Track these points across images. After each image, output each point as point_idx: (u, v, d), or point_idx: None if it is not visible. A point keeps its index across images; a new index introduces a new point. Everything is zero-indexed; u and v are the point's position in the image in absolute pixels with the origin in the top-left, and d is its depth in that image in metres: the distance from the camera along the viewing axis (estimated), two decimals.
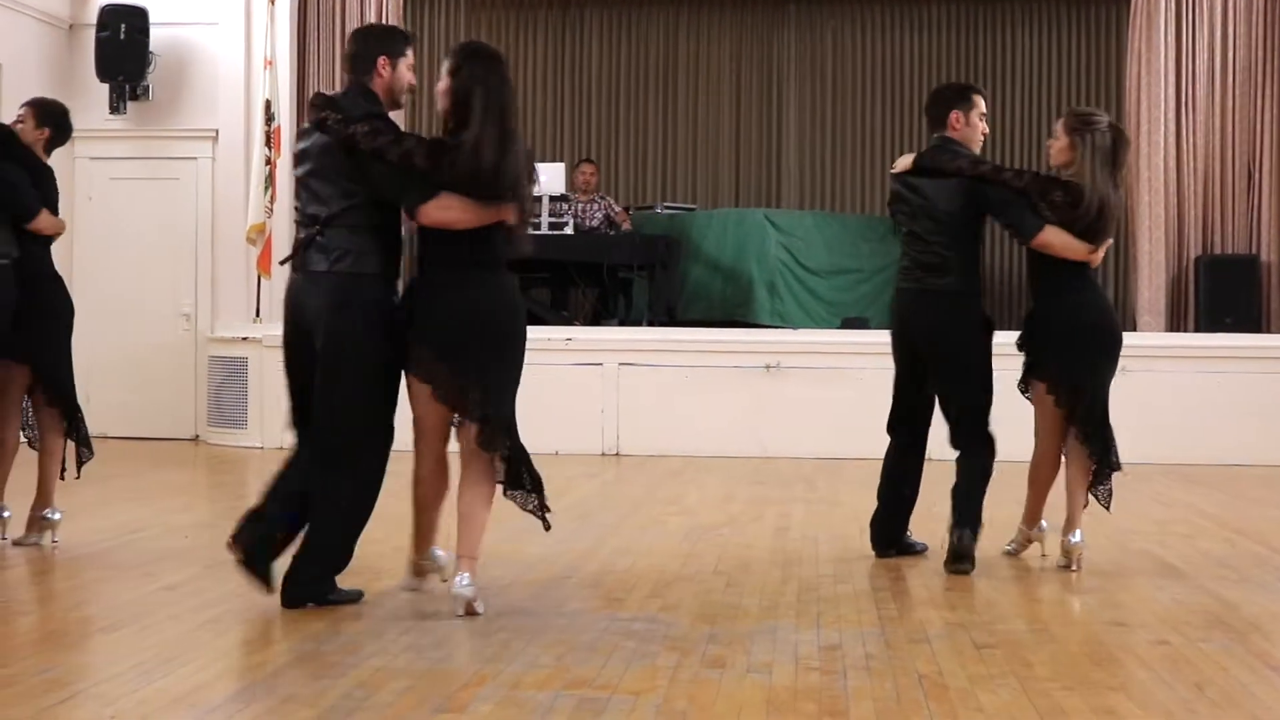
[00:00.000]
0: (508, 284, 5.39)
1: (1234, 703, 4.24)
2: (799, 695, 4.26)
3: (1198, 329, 12.09)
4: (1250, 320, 11.96)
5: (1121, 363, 11.40)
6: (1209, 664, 4.71)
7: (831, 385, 11.42)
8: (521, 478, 5.32)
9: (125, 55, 12.28)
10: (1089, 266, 6.44)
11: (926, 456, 6.78)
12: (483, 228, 5.27)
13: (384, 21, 12.92)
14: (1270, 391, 11.14)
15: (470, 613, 5.23)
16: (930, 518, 6.97)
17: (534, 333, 11.22)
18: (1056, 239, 6.36)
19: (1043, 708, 4.15)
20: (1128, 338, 11.54)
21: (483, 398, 5.24)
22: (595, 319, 13.00)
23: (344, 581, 5.96)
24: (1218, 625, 5.37)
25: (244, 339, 12.05)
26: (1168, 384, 11.05)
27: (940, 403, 6.65)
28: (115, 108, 12.36)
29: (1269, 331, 12.05)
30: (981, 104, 6.60)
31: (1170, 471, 10.01)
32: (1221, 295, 12.01)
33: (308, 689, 4.27)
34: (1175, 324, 12.34)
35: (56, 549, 6.74)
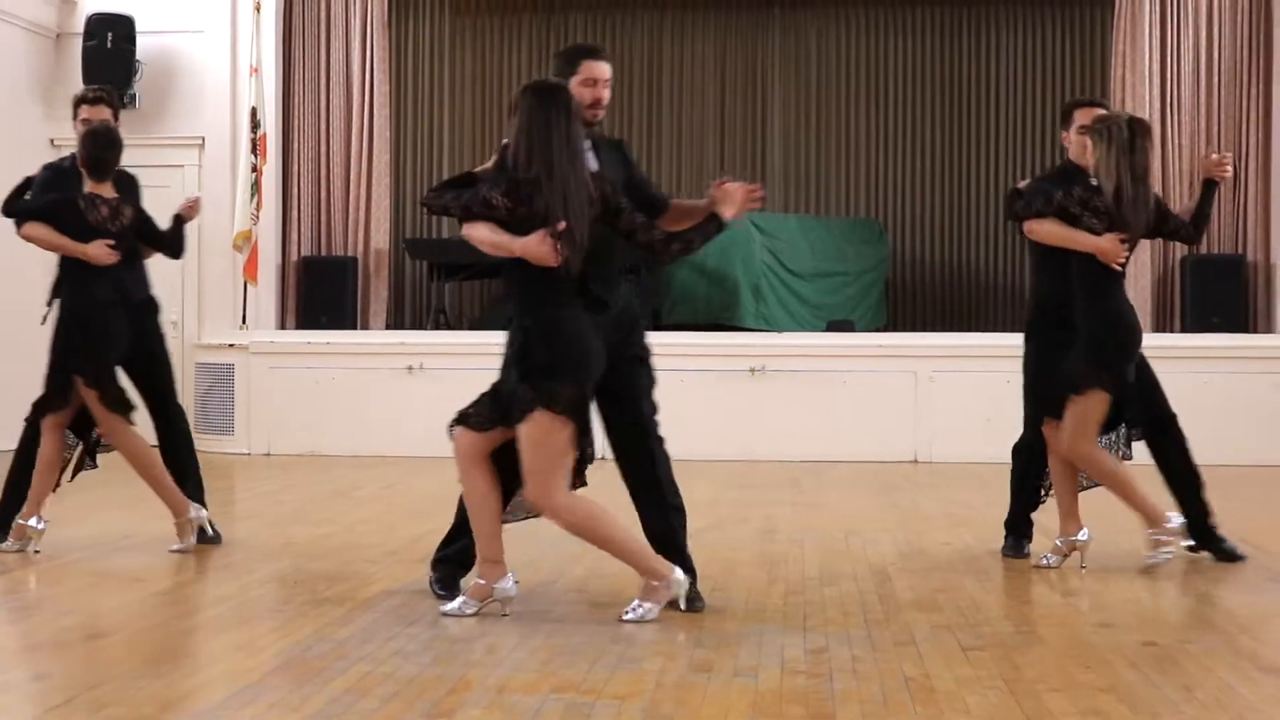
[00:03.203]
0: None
1: (1221, 704, 4.25)
2: (785, 698, 4.27)
3: (1184, 329, 12.11)
4: (1236, 320, 11.99)
5: None
6: (1196, 665, 4.72)
7: (817, 388, 11.44)
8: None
9: (112, 64, 12.27)
10: (1123, 271, 6.43)
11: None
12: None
13: (369, 29, 12.93)
14: (1257, 391, 11.18)
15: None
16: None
17: None
18: (1052, 229, 6.48)
19: (1030, 710, 4.16)
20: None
21: None
22: None
23: (332, 586, 5.97)
24: (1205, 626, 5.39)
25: (231, 346, 12.05)
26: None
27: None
28: None
29: (1255, 331, 12.08)
30: (1080, 118, 6.67)
31: (1157, 472, 10.01)
32: (1208, 296, 12.04)
33: (295, 694, 4.26)
34: (1162, 324, 12.37)
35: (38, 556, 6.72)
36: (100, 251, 6.74)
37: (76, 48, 12.37)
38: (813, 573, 6.44)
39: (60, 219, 6.80)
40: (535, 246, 5.19)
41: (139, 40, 12.39)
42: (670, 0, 14.67)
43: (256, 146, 12.23)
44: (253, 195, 12.17)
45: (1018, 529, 6.96)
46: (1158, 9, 12.39)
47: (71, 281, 6.83)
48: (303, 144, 12.97)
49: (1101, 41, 13.75)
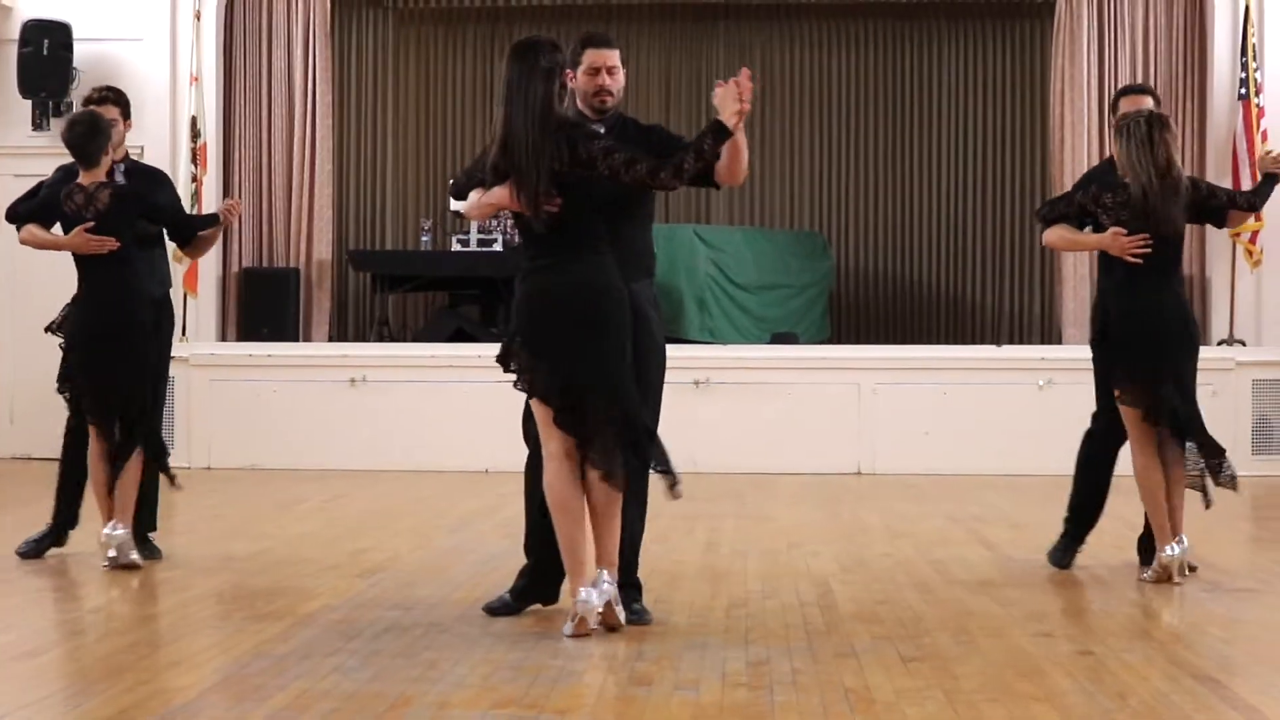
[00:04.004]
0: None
1: (1155, 713, 4.29)
2: (726, 712, 4.27)
3: None
4: None
5: (1048, 375, 11.59)
6: (1131, 674, 4.76)
7: (760, 400, 11.46)
8: None
9: (48, 71, 12.14)
10: (1161, 266, 6.40)
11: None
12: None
13: (311, 37, 12.86)
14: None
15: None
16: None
17: (465, 350, 11.27)
18: (1053, 237, 6.71)
19: (967, 719, 4.19)
20: (1054, 350, 11.76)
21: None
22: None
23: (271, 602, 5.93)
24: (1141, 635, 5.44)
25: (171, 358, 11.94)
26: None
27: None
28: (38, 124, 12.21)
29: None
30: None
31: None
32: None
33: (232, 712, 4.23)
34: None
35: None
36: (79, 239, 6.63)
37: (12, 55, 12.23)
38: (755, 585, 6.46)
39: (51, 217, 6.74)
40: (504, 196, 5.23)
41: (76, 47, 12.27)
42: (615, 12, 14.67)
43: (197, 156, 12.15)
44: (193, 205, 12.07)
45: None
46: (1095, 25, 12.52)
47: (77, 298, 6.76)
48: (244, 154, 12.89)
49: (1041, 56, 13.87)
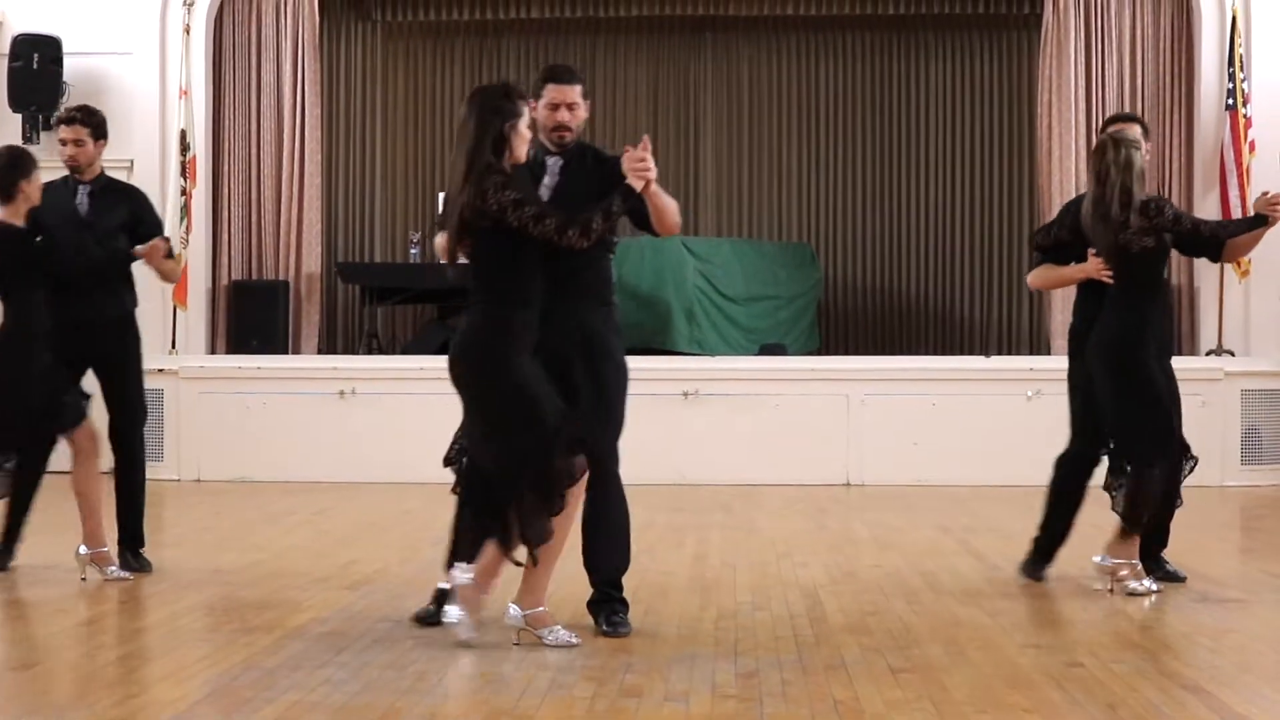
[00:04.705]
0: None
1: None
2: None
3: (1169, 353, 12.22)
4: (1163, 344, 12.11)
5: (1037, 385, 11.57)
6: (1121, 685, 4.77)
7: (749, 412, 11.47)
8: None
9: (38, 85, 12.15)
10: (1122, 285, 6.43)
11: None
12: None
13: (300, 51, 12.87)
14: (1183, 413, 11.28)
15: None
16: None
17: None
18: (1034, 279, 7.00)
19: None
20: (1043, 361, 11.77)
21: None
22: None
23: (261, 614, 5.92)
24: (1131, 646, 5.45)
25: (160, 371, 11.93)
26: None
27: None
28: (28, 138, 12.19)
29: (1179, 354, 12.20)
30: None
31: (1089, 493, 10.12)
32: None
33: None
34: None
35: None
36: None
37: (2, 69, 12.24)
38: (745, 597, 6.46)
39: None
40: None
41: (66, 61, 12.27)
42: (603, 24, 14.70)
43: (186, 169, 12.14)
44: (182, 219, 12.08)
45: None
46: (1082, 36, 12.56)
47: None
48: (233, 167, 12.89)
49: (1029, 66, 13.91)
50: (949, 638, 5.58)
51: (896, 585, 6.73)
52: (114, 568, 6.76)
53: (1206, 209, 12.01)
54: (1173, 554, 6.95)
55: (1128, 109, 12.46)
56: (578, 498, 5.29)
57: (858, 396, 11.48)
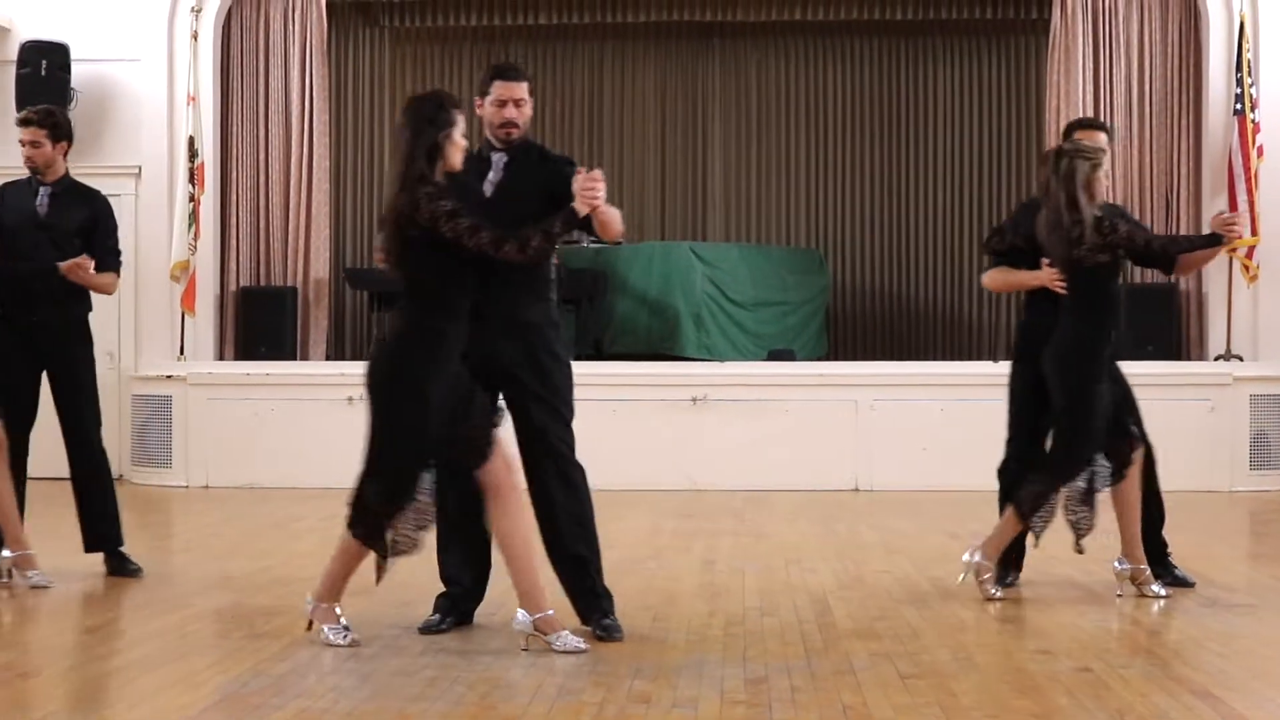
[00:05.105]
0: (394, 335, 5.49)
1: None
2: None
3: (1119, 357, 12.19)
4: (1170, 348, 12.11)
5: None
6: (1130, 691, 4.76)
7: (758, 417, 11.46)
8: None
9: (46, 92, 12.13)
10: (1075, 298, 6.43)
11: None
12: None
13: (308, 57, 12.88)
14: (1191, 418, 11.28)
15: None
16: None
17: None
18: (989, 280, 6.97)
19: None
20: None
21: None
22: None
23: (270, 620, 5.92)
24: (1140, 652, 5.44)
25: (168, 377, 11.95)
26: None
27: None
28: None
29: (1188, 359, 12.22)
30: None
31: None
32: (1142, 324, 12.15)
33: None
34: None
35: None
36: None
37: (10, 76, 12.26)
38: (753, 602, 6.45)
39: None
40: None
41: (74, 68, 12.29)
42: (611, 30, 14.71)
43: (194, 176, 12.16)
44: (190, 225, 12.09)
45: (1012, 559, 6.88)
46: (1090, 41, 12.55)
47: None
48: (241, 173, 12.91)
49: (1036, 72, 13.91)
50: (957, 643, 5.58)
51: (905, 591, 6.72)
52: (35, 572, 6.74)
53: (1215, 213, 12.01)
54: (1181, 559, 6.95)
55: (1135, 115, 12.46)
56: (508, 499, 5.36)
57: (866, 402, 11.47)
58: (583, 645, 5.30)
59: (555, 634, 5.29)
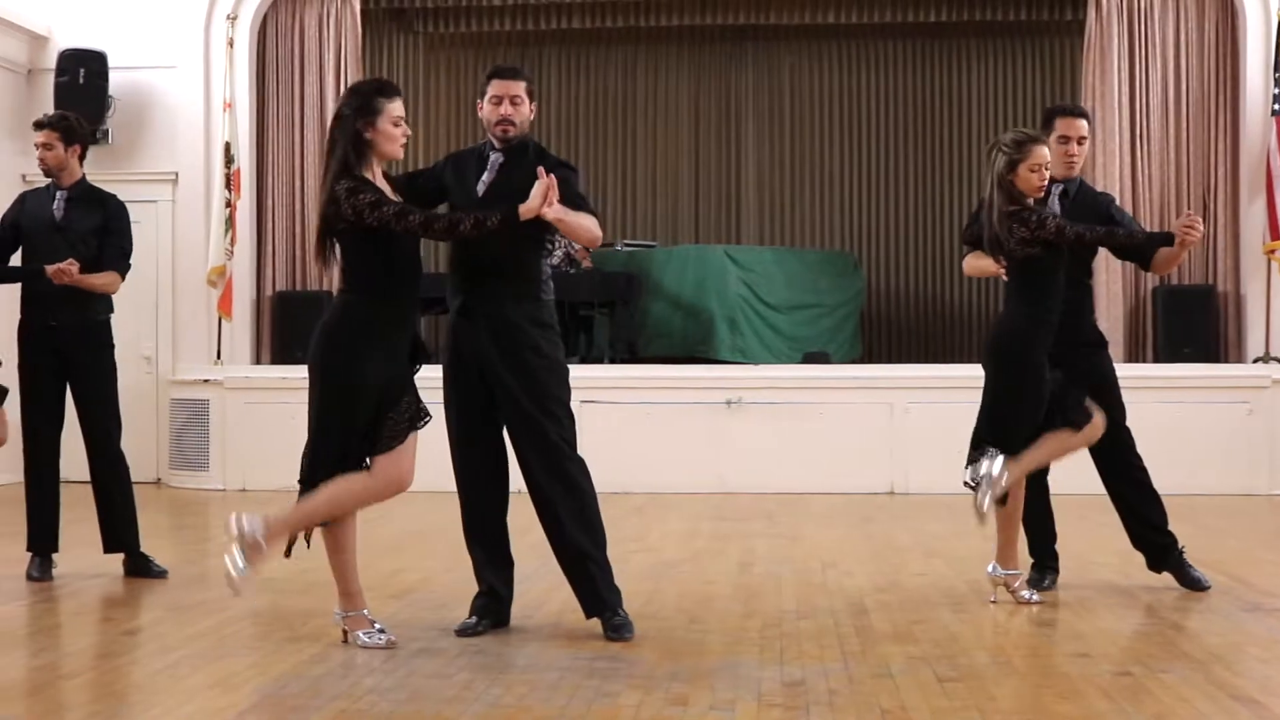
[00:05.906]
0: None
1: None
2: None
3: (1156, 359, 12.17)
4: (1207, 350, 12.05)
5: None
6: (1170, 695, 4.74)
7: (793, 420, 11.45)
8: None
9: (84, 99, 12.24)
10: (1014, 286, 6.43)
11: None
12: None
13: (343, 62, 12.94)
14: (1229, 421, 11.22)
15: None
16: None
17: None
18: (965, 266, 7.03)
19: None
20: None
21: None
22: None
23: (308, 622, 5.94)
24: (1180, 656, 5.40)
25: (205, 381, 12.02)
26: (1127, 414, 11.11)
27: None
28: None
29: (1225, 361, 12.15)
30: (1060, 127, 6.67)
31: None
32: (1179, 326, 12.10)
33: None
34: (1133, 355, 12.43)
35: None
36: None
37: (49, 84, 12.36)
38: (789, 605, 6.44)
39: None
40: None
41: (112, 76, 12.39)
42: (644, 34, 14.73)
43: (230, 181, 12.23)
44: (227, 230, 12.17)
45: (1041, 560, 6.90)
46: (1126, 42, 12.49)
47: None
48: (277, 178, 12.97)
49: (1072, 73, 13.86)
50: (996, 646, 5.56)
51: (942, 594, 6.70)
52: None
53: (1253, 214, 11.95)
54: (1222, 562, 6.90)
55: (1172, 116, 12.39)
56: (362, 499, 5.50)
57: (901, 404, 11.44)
58: (387, 642, 5.41)
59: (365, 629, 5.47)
